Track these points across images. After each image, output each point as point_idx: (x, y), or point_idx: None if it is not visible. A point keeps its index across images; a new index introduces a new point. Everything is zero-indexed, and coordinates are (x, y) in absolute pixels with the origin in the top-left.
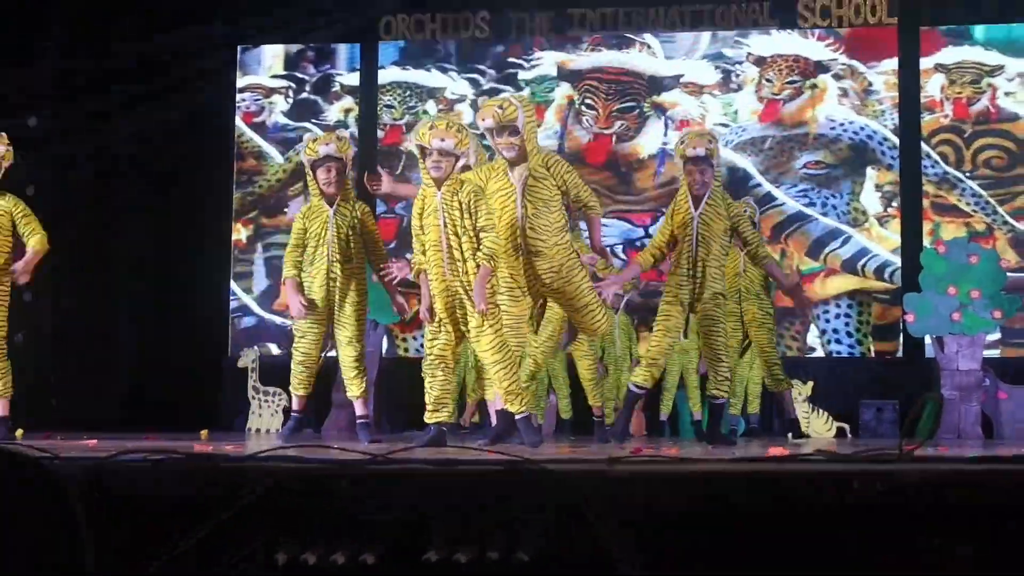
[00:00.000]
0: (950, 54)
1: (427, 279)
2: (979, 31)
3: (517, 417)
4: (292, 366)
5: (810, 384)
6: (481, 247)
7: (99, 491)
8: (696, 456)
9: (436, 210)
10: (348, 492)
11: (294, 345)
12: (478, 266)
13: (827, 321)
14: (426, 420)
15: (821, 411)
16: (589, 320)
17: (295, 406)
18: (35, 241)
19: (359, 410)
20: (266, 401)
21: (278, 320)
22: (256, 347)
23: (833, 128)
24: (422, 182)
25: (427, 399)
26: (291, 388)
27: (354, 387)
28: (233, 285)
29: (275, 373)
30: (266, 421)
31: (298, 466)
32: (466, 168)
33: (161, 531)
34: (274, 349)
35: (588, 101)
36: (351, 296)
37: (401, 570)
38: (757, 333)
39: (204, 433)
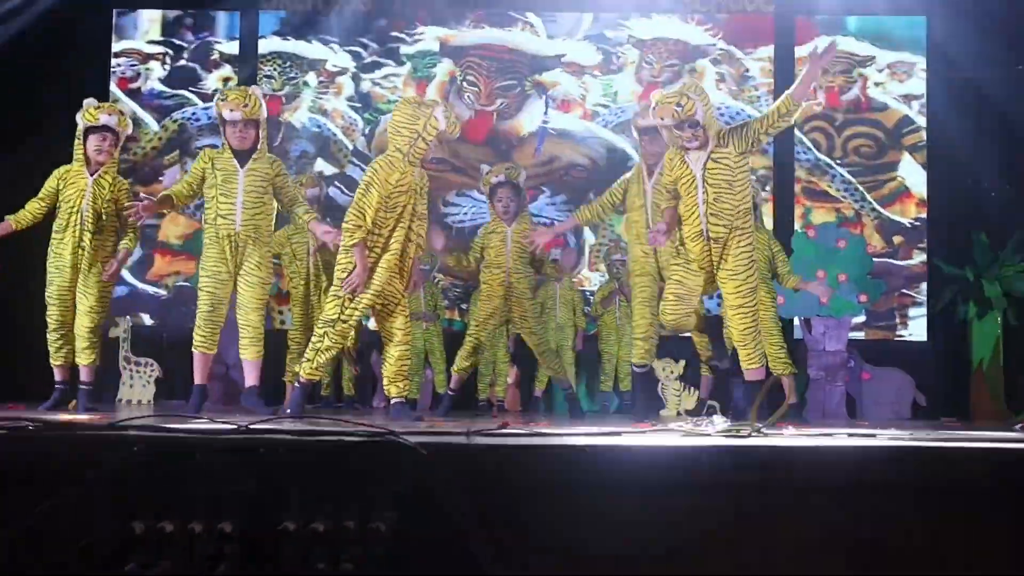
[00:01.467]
0: (823, 44)
1: (364, 251)
2: (852, 22)
3: (393, 400)
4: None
5: (683, 363)
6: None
7: None
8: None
9: (411, 190)
10: (208, 461)
11: (48, 313)
12: (399, 257)
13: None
14: (306, 376)
15: (692, 389)
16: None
17: (57, 376)
18: None
19: (83, 376)
20: (138, 372)
21: (151, 290)
22: (128, 317)
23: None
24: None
25: (314, 357)
26: (52, 360)
27: (83, 356)
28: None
29: (147, 344)
30: (138, 392)
31: (159, 435)
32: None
33: (16, 500)
34: (147, 319)
35: (470, 78)
36: (97, 267)
37: (258, 538)
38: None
39: (73, 404)
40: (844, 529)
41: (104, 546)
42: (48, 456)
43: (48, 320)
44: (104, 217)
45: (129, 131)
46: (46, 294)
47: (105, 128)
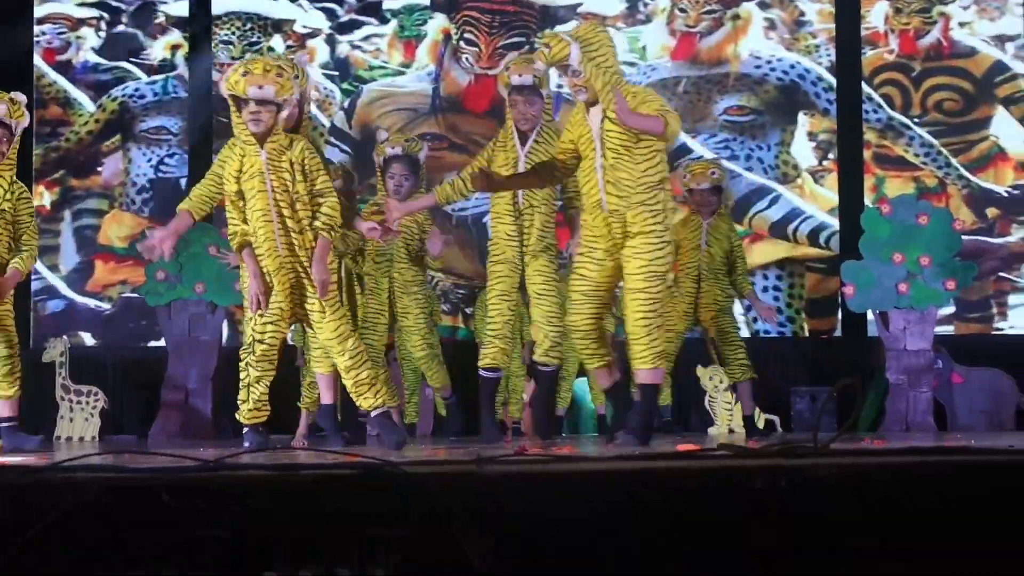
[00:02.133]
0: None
1: (252, 255)
2: None
3: (373, 414)
4: None
5: (727, 368)
6: (319, 215)
7: None
8: (590, 455)
9: (261, 172)
10: (174, 505)
11: None
12: (316, 237)
13: None
14: (244, 421)
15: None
16: None
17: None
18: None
19: (4, 412)
20: (78, 403)
21: (92, 304)
22: (66, 337)
23: (759, 67)
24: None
25: (244, 395)
26: None
27: (2, 388)
28: (36, 262)
29: (89, 368)
30: (79, 427)
31: (114, 476)
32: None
33: None
34: (88, 339)
35: (468, 36)
36: None
37: None
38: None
39: None
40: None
41: None
42: None
43: None
44: (10, 228)
45: (25, 122)
46: None
47: None
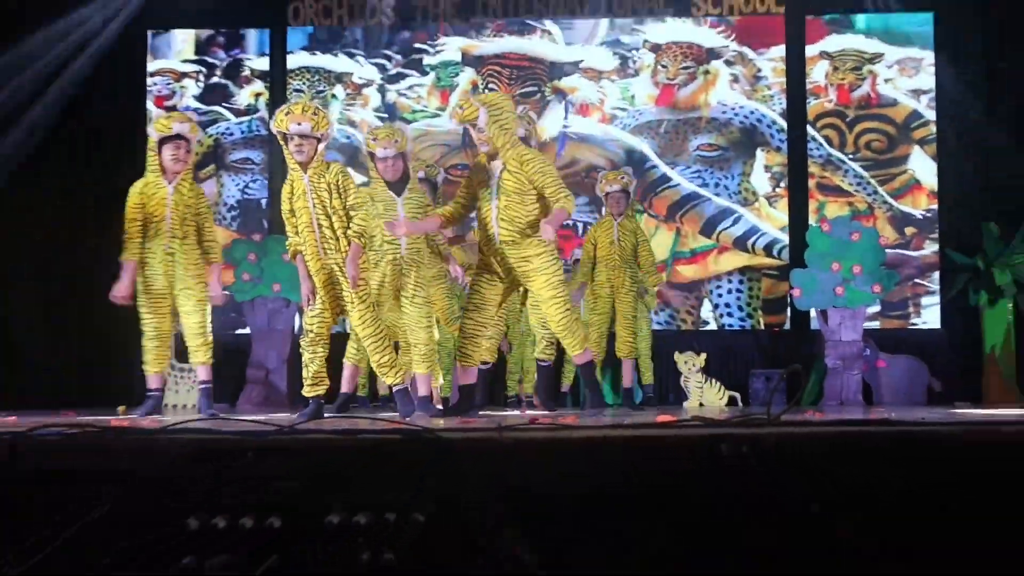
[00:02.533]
0: (833, 42)
1: (303, 260)
2: (860, 20)
3: (394, 389)
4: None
5: (703, 356)
6: (351, 226)
7: (17, 465)
8: (590, 424)
9: (304, 193)
10: (256, 460)
11: (144, 323)
12: (349, 243)
13: (719, 296)
14: (306, 394)
15: (714, 381)
16: None
17: (153, 384)
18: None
19: (202, 376)
20: (183, 378)
21: None
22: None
23: (725, 112)
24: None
25: (305, 374)
26: (148, 368)
27: (199, 354)
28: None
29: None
30: (183, 397)
31: (209, 436)
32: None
33: (76, 500)
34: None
35: (492, 85)
36: (189, 269)
37: (305, 531)
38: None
39: (122, 409)
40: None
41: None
42: (105, 458)
43: (143, 329)
44: (187, 222)
45: (200, 137)
46: (138, 304)
47: (178, 136)
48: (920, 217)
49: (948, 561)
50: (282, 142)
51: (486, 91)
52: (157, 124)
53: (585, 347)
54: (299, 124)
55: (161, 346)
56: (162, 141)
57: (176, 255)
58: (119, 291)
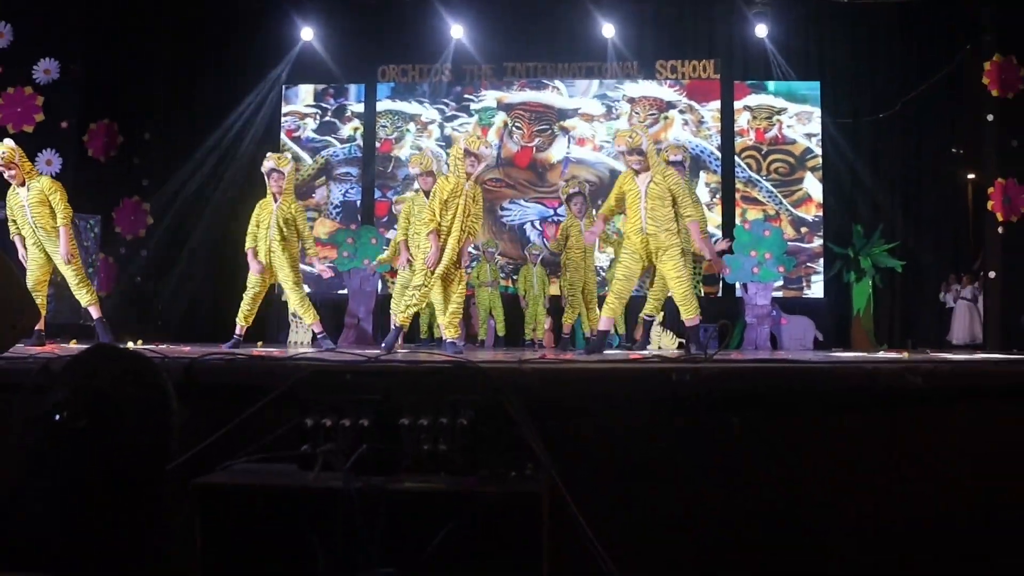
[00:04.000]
0: (753, 99)
1: (437, 239)
2: (771, 85)
3: (447, 340)
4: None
5: (661, 314)
6: (470, 230)
7: (191, 380)
8: (580, 360)
9: (461, 196)
10: (351, 381)
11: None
12: (458, 241)
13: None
14: (400, 322)
15: (668, 331)
16: None
17: (239, 330)
18: None
19: (316, 328)
20: (300, 324)
21: (307, 268)
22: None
23: (678, 145)
24: (454, 172)
25: (402, 306)
26: (243, 319)
27: (309, 316)
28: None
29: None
30: (300, 336)
31: (320, 363)
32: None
33: (231, 405)
34: (306, 288)
35: (517, 124)
36: (282, 259)
37: (384, 428)
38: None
39: (260, 344)
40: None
41: (286, 436)
42: (251, 377)
43: (247, 288)
44: (286, 229)
45: (289, 166)
46: (250, 276)
47: (272, 170)
48: (811, 220)
49: (803, 445)
50: (465, 158)
51: (513, 129)
52: (263, 163)
53: (695, 314)
54: (484, 148)
55: (252, 306)
56: (267, 174)
57: (275, 251)
58: (252, 269)
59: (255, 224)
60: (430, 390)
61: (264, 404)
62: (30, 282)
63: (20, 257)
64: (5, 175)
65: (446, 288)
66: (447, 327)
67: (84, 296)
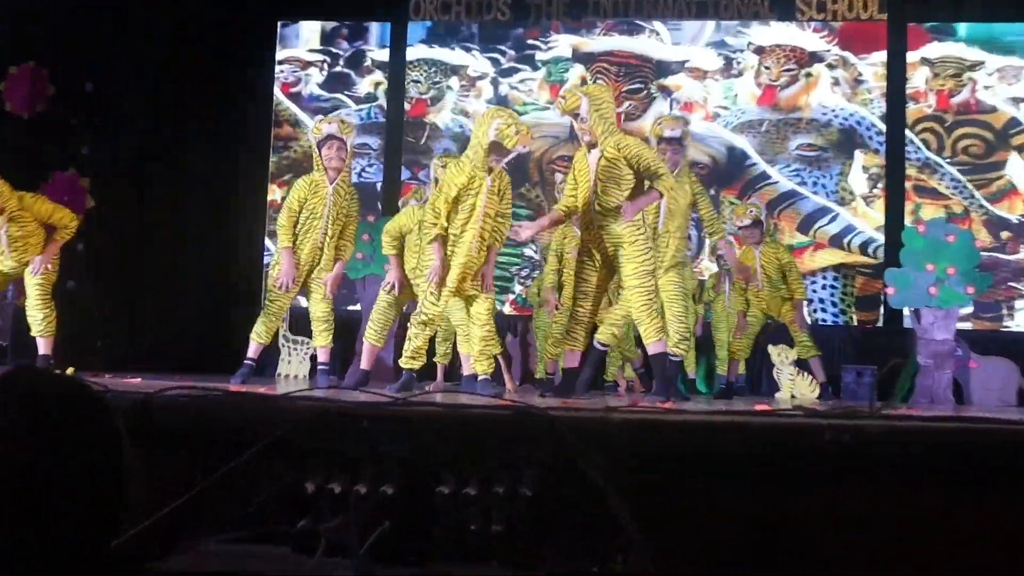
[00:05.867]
0: (934, 49)
1: (442, 247)
2: (962, 28)
3: (480, 377)
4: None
5: (796, 349)
6: (497, 232)
7: (146, 421)
8: (689, 409)
9: (482, 192)
10: (368, 429)
11: (271, 299)
12: (488, 248)
13: (814, 291)
14: (402, 365)
15: (806, 374)
16: None
17: (251, 353)
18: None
19: (321, 357)
20: (295, 349)
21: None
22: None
23: (825, 114)
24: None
25: (407, 347)
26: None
27: (322, 338)
28: (267, 241)
29: (304, 323)
30: (295, 367)
31: (326, 404)
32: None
33: (201, 459)
34: (303, 301)
35: (600, 81)
36: (329, 265)
37: (416, 501)
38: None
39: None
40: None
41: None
42: (228, 421)
43: (267, 304)
44: (338, 221)
45: (354, 136)
46: (270, 284)
47: (330, 137)
48: (1016, 222)
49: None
50: (494, 151)
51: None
52: (314, 129)
53: (661, 337)
54: (524, 147)
55: (275, 323)
56: (319, 143)
57: (324, 250)
58: (285, 277)
59: (295, 209)
60: (479, 446)
61: (247, 459)
62: None
63: None
64: None
65: (471, 310)
66: (478, 359)
67: None
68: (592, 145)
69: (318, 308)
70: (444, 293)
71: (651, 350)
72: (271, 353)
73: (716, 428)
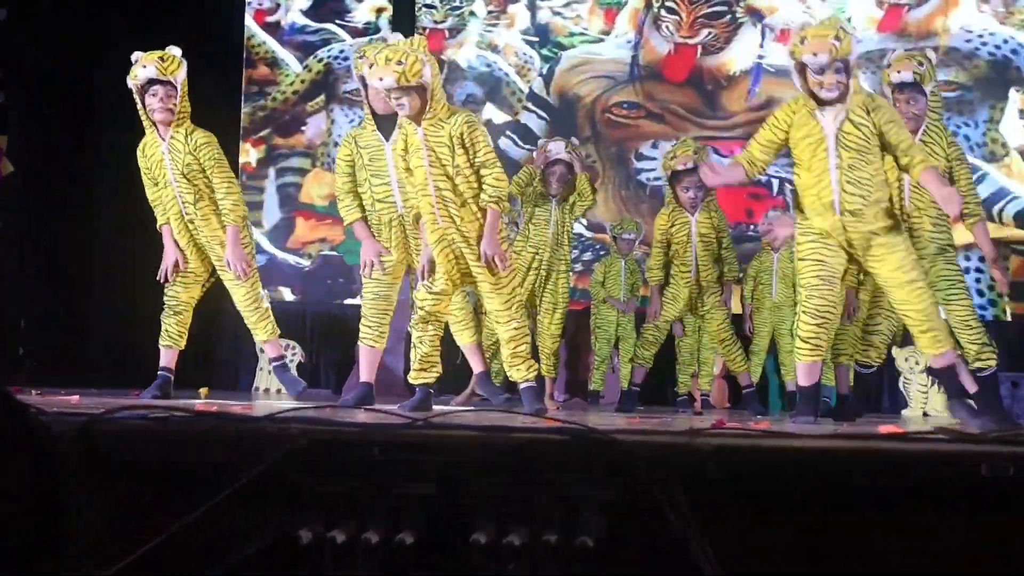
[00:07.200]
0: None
1: (424, 226)
2: None
3: (522, 385)
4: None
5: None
6: (484, 187)
7: (91, 451)
8: (790, 431)
9: (419, 148)
10: (381, 460)
11: (166, 295)
12: (481, 211)
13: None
14: (412, 380)
15: (939, 385)
16: None
17: (164, 361)
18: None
19: (271, 352)
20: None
21: (292, 260)
22: (267, 292)
23: (969, 41)
24: None
25: (413, 356)
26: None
27: (259, 332)
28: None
29: (289, 323)
30: (276, 380)
31: (324, 428)
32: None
33: (163, 500)
34: (287, 294)
35: (669, 4)
36: (216, 235)
37: (445, 552)
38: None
39: (204, 391)
40: None
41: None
42: (200, 450)
43: (165, 301)
44: (194, 180)
45: (182, 73)
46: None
47: (151, 82)
48: None
49: None
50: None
51: (662, 14)
52: (130, 75)
53: (949, 346)
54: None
55: (181, 321)
56: (139, 91)
57: (195, 221)
58: (164, 262)
59: (148, 180)
60: (525, 482)
61: (223, 499)
62: None
63: None
64: None
65: (485, 305)
66: (512, 362)
67: None
68: (830, 103)
69: (237, 294)
70: (439, 279)
71: (936, 364)
72: (249, 361)
73: (838, 457)
